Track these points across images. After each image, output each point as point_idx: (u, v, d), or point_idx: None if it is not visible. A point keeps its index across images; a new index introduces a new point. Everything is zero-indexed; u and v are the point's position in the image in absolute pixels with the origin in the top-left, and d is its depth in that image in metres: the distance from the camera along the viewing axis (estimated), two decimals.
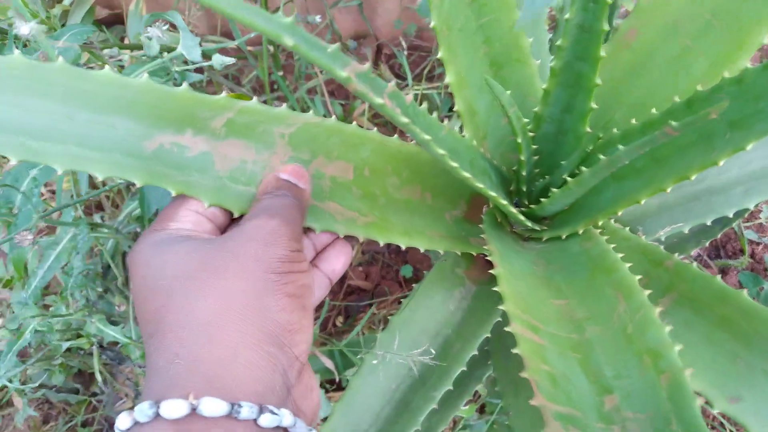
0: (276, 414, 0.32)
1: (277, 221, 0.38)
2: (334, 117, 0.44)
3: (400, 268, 1.11)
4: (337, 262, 0.47)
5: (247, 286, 0.35)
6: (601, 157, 0.37)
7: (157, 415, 0.30)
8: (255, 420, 0.31)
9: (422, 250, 0.48)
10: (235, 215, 0.41)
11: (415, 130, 0.32)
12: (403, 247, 0.47)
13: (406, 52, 1.12)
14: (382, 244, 0.45)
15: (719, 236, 1.00)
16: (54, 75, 0.32)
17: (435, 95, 1.12)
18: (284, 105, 0.42)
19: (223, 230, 0.42)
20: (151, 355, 0.33)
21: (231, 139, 0.41)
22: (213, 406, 0.30)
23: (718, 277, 0.45)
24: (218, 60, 0.52)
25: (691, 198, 0.61)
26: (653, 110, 0.42)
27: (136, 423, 0.31)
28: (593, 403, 0.29)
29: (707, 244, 0.73)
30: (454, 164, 0.36)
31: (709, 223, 0.59)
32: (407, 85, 1.10)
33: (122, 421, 0.31)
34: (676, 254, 0.49)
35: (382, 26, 1.15)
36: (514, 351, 0.31)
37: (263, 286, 0.35)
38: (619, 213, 0.44)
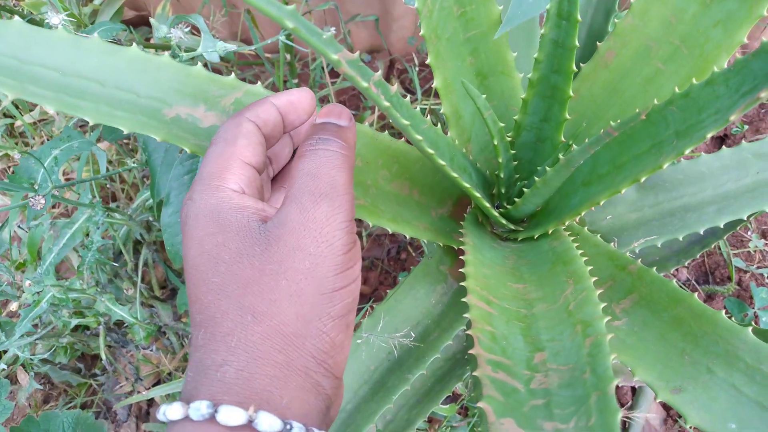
0: None
1: (324, 209, 0.34)
2: None
3: (398, 275, 1.15)
4: None
5: (298, 311, 0.33)
6: (561, 157, 0.41)
7: (212, 417, 0.30)
8: None
9: (407, 238, 0.52)
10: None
11: (395, 114, 0.36)
12: (390, 231, 0.50)
13: (417, 68, 1.17)
14: (372, 225, 0.49)
15: (708, 262, 1.03)
16: (90, 47, 0.38)
17: None
18: None
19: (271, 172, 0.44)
20: (199, 348, 0.33)
21: None
22: (268, 422, 0.30)
23: (674, 280, 0.49)
24: (221, 47, 0.57)
25: (666, 214, 0.65)
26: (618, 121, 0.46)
27: (187, 417, 0.30)
28: (524, 357, 0.33)
29: (686, 263, 0.76)
30: (431, 151, 0.40)
31: (681, 238, 0.63)
32: (416, 99, 1.15)
33: (173, 411, 0.31)
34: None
35: (396, 42, 1.20)
36: (465, 315, 0.35)
37: (310, 310, 0.34)
38: (582, 213, 0.48)
